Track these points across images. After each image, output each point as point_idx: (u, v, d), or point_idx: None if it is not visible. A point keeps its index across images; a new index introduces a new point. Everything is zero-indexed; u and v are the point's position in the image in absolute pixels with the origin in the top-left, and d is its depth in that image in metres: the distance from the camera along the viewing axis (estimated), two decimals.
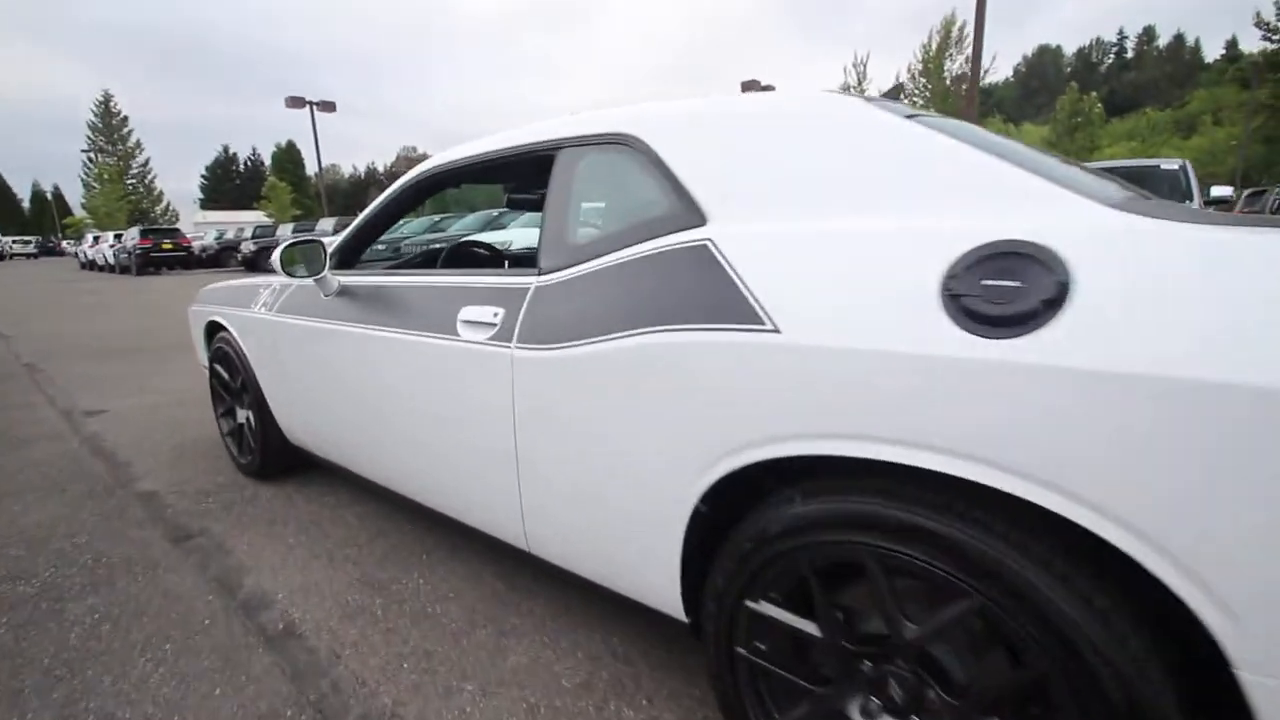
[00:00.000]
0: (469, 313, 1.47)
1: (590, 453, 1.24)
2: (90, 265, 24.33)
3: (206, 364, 2.90)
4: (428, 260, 2.38)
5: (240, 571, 1.95)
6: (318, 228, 18.97)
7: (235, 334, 2.52)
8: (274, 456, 2.57)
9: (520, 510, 1.44)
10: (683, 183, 1.18)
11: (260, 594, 1.82)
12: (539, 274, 1.38)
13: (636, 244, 1.20)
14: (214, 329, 2.75)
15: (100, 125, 47.83)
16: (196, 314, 2.93)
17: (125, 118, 48.71)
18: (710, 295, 1.03)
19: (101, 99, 47.61)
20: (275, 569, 1.96)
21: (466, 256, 2.44)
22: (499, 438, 1.42)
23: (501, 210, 12.74)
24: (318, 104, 24.55)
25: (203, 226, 33.83)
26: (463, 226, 12.02)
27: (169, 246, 19.47)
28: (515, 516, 1.46)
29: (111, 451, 3.12)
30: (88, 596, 1.83)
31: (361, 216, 2.03)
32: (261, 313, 2.31)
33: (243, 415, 2.66)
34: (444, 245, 8.84)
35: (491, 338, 1.39)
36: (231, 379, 2.67)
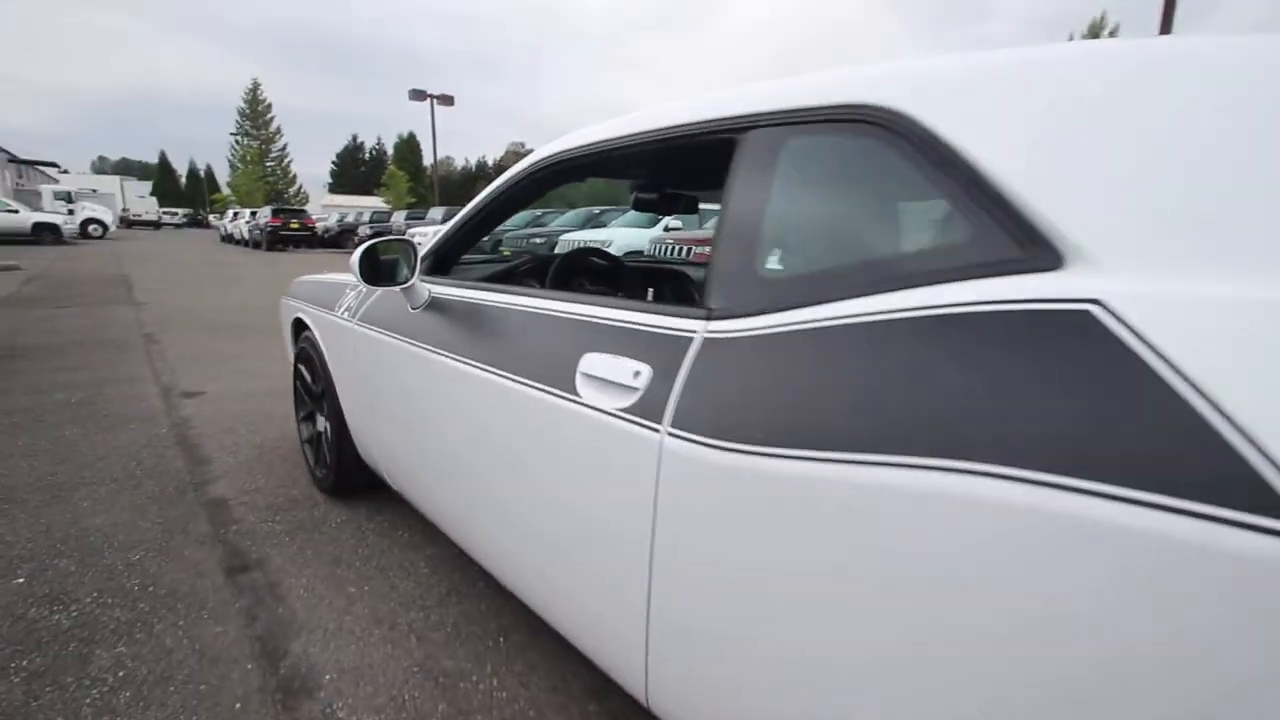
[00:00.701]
0: (595, 364, 1.04)
1: (785, 620, 0.76)
2: (229, 239, 26.52)
3: (293, 361, 2.67)
4: (536, 269, 1.99)
5: (290, 629, 1.62)
6: (428, 215, 19.64)
7: (318, 336, 2.24)
8: (348, 475, 2.27)
9: (644, 647, 0.99)
10: (1007, 192, 0.67)
11: (306, 670, 1.48)
12: (708, 316, 0.91)
13: (901, 289, 0.71)
14: (300, 326, 2.49)
15: (248, 110, 52.45)
16: (286, 308, 2.70)
17: (269, 104, 53.16)
18: (1135, 427, 0.50)
19: (251, 86, 52.18)
20: (329, 632, 1.62)
21: (585, 270, 2.02)
22: (624, 546, 0.97)
23: (604, 208, 12.54)
24: (438, 97, 25.54)
25: (329, 208, 36.28)
26: (563, 223, 11.89)
27: (296, 226, 20.82)
28: (634, 652, 1.01)
29: (196, 443, 2.98)
30: (119, 643, 1.56)
31: (464, 212, 1.65)
32: (344, 318, 2.00)
33: (322, 423, 2.38)
34: (549, 244, 8.68)
35: (629, 409, 0.95)
36: (314, 382, 2.40)
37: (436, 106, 25.46)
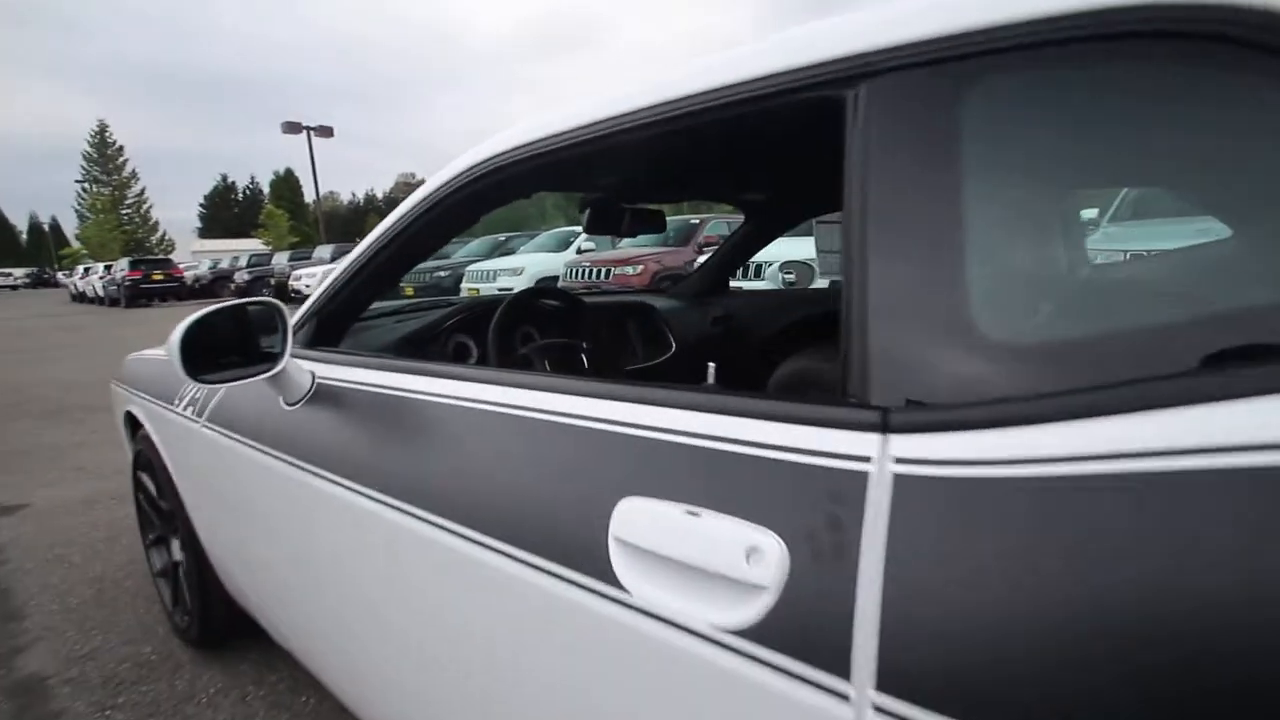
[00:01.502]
0: (647, 524, 0.56)
1: None
2: (81, 297, 23.54)
3: (131, 467, 1.98)
4: (469, 320, 1.48)
5: None
6: (315, 254, 18.17)
7: (156, 441, 1.60)
8: (218, 619, 1.65)
9: None
10: None
11: None
12: (883, 425, 0.47)
13: None
14: (135, 422, 1.83)
15: (95, 155, 47.42)
16: (115, 396, 2.02)
17: (120, 147, 48.32)
18: None
19: (97, 129, 47.26)
20: None
21: (535, 316, 1.54)
22: None
23: (509, 234, 11.92)
24: (315, 129, 23.92)
25: (200, 255, 33.14)
26: (468, 253, 11.19)
27: (160, 277, 18.74)
28: None
29: (8, 585, 2.20)
30: None
31: (356, 254, 1.12)
32: (187, 415, 1.39)
33: (177, 551, 1.73)
34: (454, 277, 7.96)
35: (751, 630, 0.48)
36: (160, 496, 1.75)
37: (315, 139, 23.81)
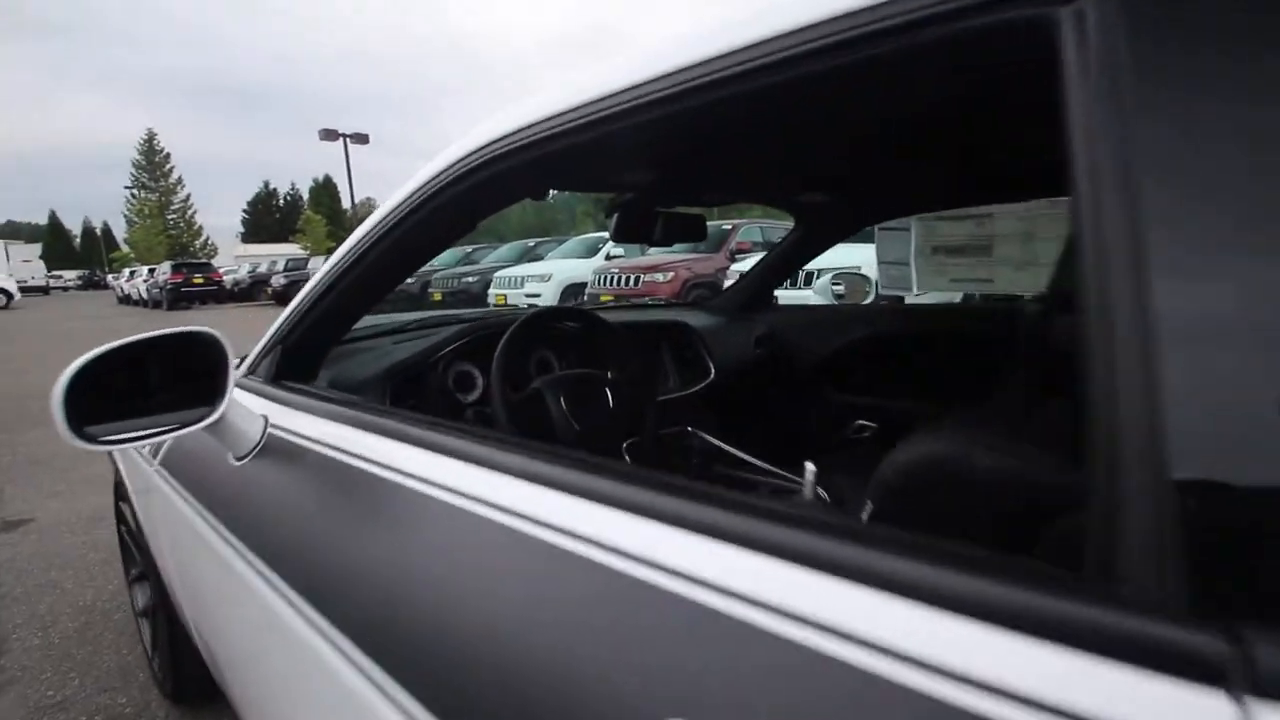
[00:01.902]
0: None
1: None
2: (127, 299, 24.24)
3: (114, 493, 1.82)
4: (474, 344, 1.26)
5: None
6: None
7: (122, 471, 1.43)
8: (189, 678, 1.46)
9: None
10: None
11: None
12: (1264, 664, 0.21)
13: None
14: None
15: (144, 162, 49.18)
16: None
17: (168, 154, 50.01)
18: None
19: (146, 137, 49.01)
20: None
21: (550, 339, 1.31)
22: None
23: (539, 239, 11.81)
24: (351, 136, 24.32)
25: (241, 259, 34.00)
26: (497, 259, 11.10)
27: (200, 281, 19.16)
28: None
29: None
30: None
31: (326, 270, 0.90)
32: (144, 454, 1.20)
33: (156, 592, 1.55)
34: (483, 282, 7.80)
35: None
36: (139, 532, 1.57)
37: (351, 146, 24.22)
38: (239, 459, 0.84)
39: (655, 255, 8.19)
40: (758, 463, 1.44)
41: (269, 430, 0.84)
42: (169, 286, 18.70)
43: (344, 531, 0.65)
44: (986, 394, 1.58)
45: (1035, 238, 1.55)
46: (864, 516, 0.55)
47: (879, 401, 1.86)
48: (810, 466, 1.01)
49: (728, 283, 7.00)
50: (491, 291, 9.11)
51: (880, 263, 1.80)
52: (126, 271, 28.26)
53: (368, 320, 1.60)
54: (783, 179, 1.28)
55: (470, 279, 10.02)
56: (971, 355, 1.72)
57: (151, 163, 49.29)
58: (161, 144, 49.58)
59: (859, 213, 1.65)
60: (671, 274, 7.41)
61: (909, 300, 2.15)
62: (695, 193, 1.30)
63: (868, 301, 2.16)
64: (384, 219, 0.81)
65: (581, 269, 8.66)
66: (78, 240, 75.24)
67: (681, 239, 1.40)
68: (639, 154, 0.90)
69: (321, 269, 0.92)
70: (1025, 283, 1.60)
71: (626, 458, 1.38)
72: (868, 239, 2.01)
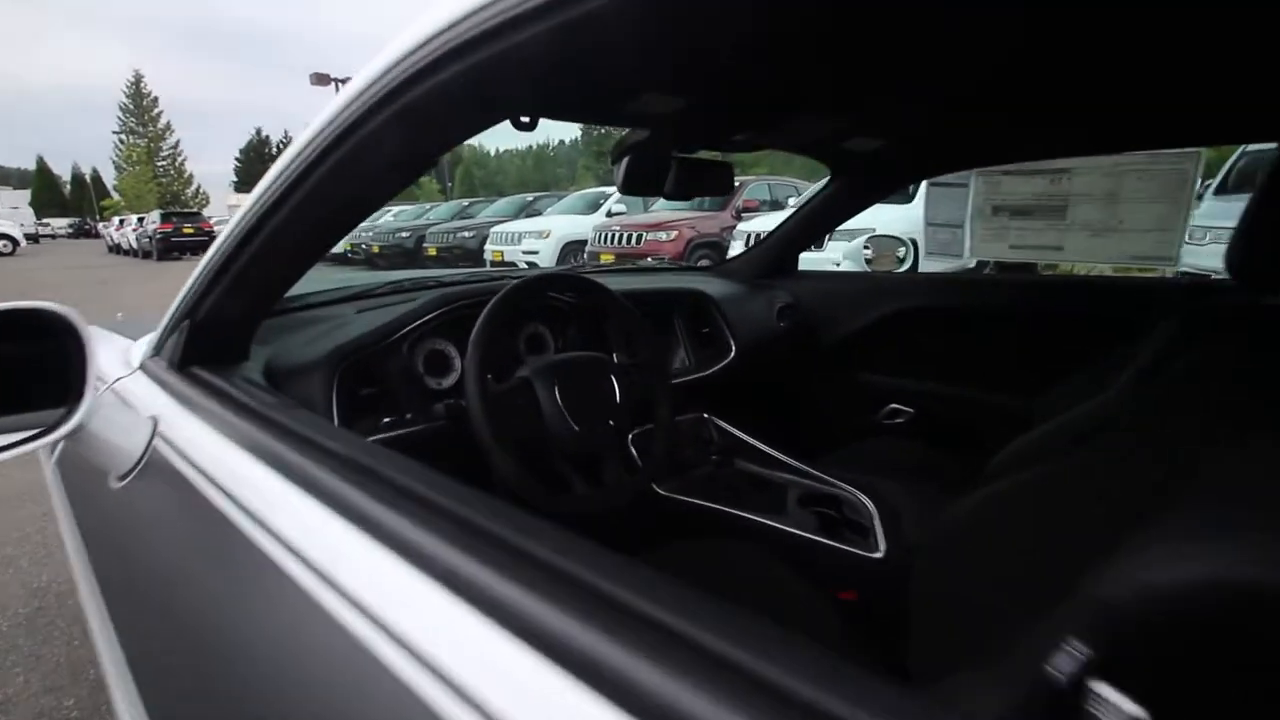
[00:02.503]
0: None
1: None
2: (117, 249, 23.74)
3: None
4: (447, 318, 1.04)
5: None
6: None
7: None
8: None
9: None
10: None
11: None
12: None
13: None
14: None
15: (131, 106, 47.62)
16: None
17: (155, 98, 48.34)
18: None
19: (133, 79, 47.36)
20: None
21: (542, 313, 1.09)
22: None
23: (537, 194, 11.40)
24: (342, 81, 23.40)
25: (235, 209, 33.12)
26: (494, 213, 10.72)
27: (190, 231, 18.64)
28: None
29: None
30: None
31: (238, 221, 0.67)
32: (47, 449, 0.98)
33: None
34: (479, 238, 7.50)
35: None
36: None
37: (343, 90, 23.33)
38: (120, 478, 0.63)
39: (658, 212, 7.86)
40: (790, 460, 1.23)
41: (157, 439, 0.62)
42: (158, 236, 18.24)
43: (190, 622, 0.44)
44: (1051, 382, 1.34)
45: (1120, 199, 1.31)
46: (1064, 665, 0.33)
47: (918, 384, 1.65)
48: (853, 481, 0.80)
49: (734, 243, 6.72)
50: (487, 248, 8.81)
51: (928, 224, 1.55)
52: (116, 220, 27.62)
53: (329, 280, 1.36)
54: (829, 117, 1.04)
55: (466, 234, 9.70)
56: (1034, 335, 1.50)
57: (139, 106, 47.74)
58: (148, 87, 47.96)
59: (914, 163, 1.40)
60: (675, 233, 7.10)
61: (952, 268, 1.91)
62: (721, 131, 1.05)
63: (903, 269, 1.92)
64: (311, 145, 0.58)
65: (582, 225, 8.34)
66: (67, 187, 73.59)
67: (704, 190, 1.16)
68: (652, 67, 0.66)
69: (234, 217, 0.69)
70: (1103, 252, 1.37)
71: (633, 450, 1.17)
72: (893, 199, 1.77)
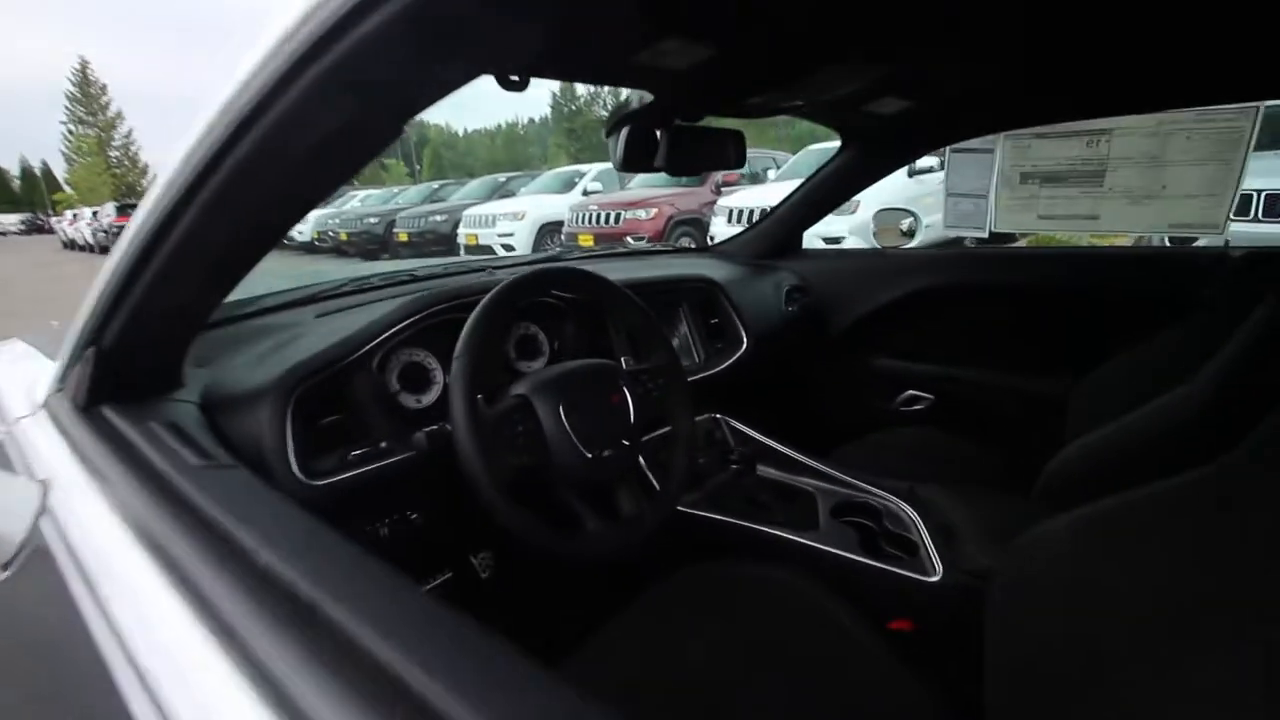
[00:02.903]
0: None
1: None
2: (72, 245, 22.80)
3: None
4: (437, 321, 0.88)
5: None
6: None
7: None
8: None
9: None
10: None
11: None
12: None
13: None
14: None
15: (79, 95, 45.55)
16: None
17: (104, 86, 46.24)
18: None
19: (79, 67, 45.21)
20: None
21: (536, 313, 0.96)
22: None
23: (510, 174, 11.09)
24: None
25: None
26: (466, 195, 10.40)
27: None
28: None
29: None
30: None
31: (148, 211, 0.50)
32: None
33: None
34: (451, 222, 7.19)
35: None
36: None
37: None
38: (3, 567, 0.48)
39: (635, 190, 7.66)
40: (816, 464, 1.10)
41: (47, 515, 0.47)
42: (114, 230, 17.54)
43: None
44: (1088, 364, 1.22)
45: (1164, 162, 1.20)
46: None
47: (938, 369, 1.53)
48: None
49: (715, 219, 6.55)
50: (461, 231, 8.54)
51: (949, 194, 1.42)
52: (69, 214, 26.49)
53: (292, 273, 1.19)
54: (859, 71, 0.90)
55: (438, 218, 9.39)
56: (1067, 313, 1.38)
57: (87, 95, 45.63)
58: (95, 74, 45.82)
59: (939, 126, 1.26)
60: (655, 210, 6.92)
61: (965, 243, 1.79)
62: (739, 92, 0.90)
63: (912, 244, 1.79)
64: (221, 121, 0.42)
65: (558, 206, 8.11)
66: (16, 181, 70.51)
67: (714, 164, 1.02)
68: (678, 3, 0.51)
69: (138, 212, 0.53)
70: (1142, 220, 1.25)
71: (648, 469, 1.03)
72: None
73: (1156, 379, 1.01)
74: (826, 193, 1.55)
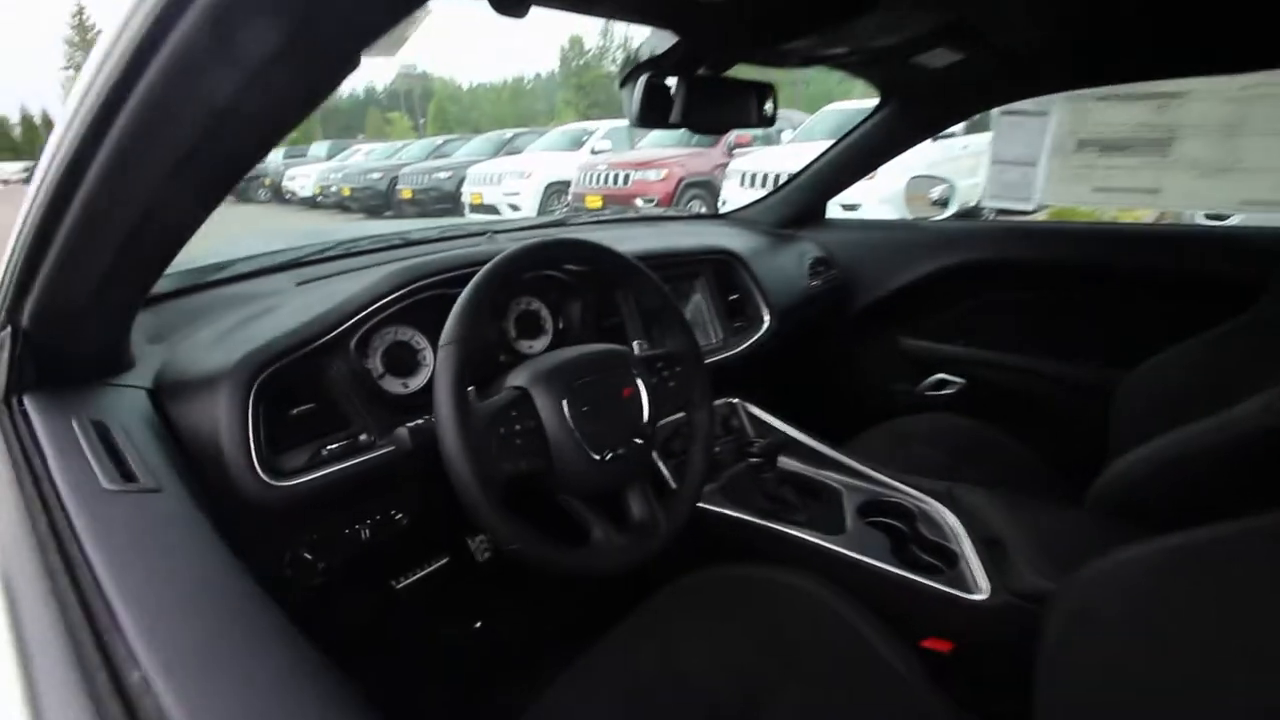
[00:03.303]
0: None
1: None
2: None
3: None
4: (427, 295, 0.79)
5: None
6: (310, 152, 16.90)
7: None
8: None
9: None
10: None
11: None
12: None
13: None
14: None
15: (76, 39, 44.60)
16: None
17: (100, 30, 45.31)
18: None
19: (75, 10, 44.13)
20: None
21: (537, 287, 0.90)
22: None
23: (517, 130, 10.79)
24: None
25: None
26: (470, 152, 10.14)
27: None
28: None
29: None
30: None
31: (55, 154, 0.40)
32: None
33: None
34: (456, 179, 7.01)
35: None
36: None
37: None
38: None
39: (645, 150, 7.42)
40: (842, 458, 1.01)
41: None
42: None
43: None
44: (1137, 353, 1.12)
45: (1244, 131, 1.07)
46: None
47: (971, 352, 1.43)
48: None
49: (726, 182, 6.35)
50: (466, 189, 8.34)
51: (994, 162, 1.30)
52: None
53: (286, 232, 1.09)
54: (914, 17, 0.77)
55: (442, 175, 9.16)
56: (1117, 295, 1.27)
57: (84, 39, 44.68)
58: (91, 18, 44.74)
59: (993, 83, 1.13)
60: (665, 171, 6.70)
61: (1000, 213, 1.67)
62: (776, 35, 0.78)
63: (944, 215, 1.67)
64: (115, 50, 0.31)
65: (566, 165, 7.88)
66: (17, 129, 69.62)
67: (742, 120, 0.90)
68: None
69: (42, 160, 0.43)
70: (1210, 196, 1.13)
71: (662, 466, 0.94)
72: None
73: (1221, 377, 0.91)
74: (858, 156, 1.42)
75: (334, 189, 10.99)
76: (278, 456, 0.66)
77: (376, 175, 10.42)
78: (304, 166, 14.11)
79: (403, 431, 0.64)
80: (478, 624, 1.29)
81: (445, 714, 1.10)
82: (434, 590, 1.07)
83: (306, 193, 11.80)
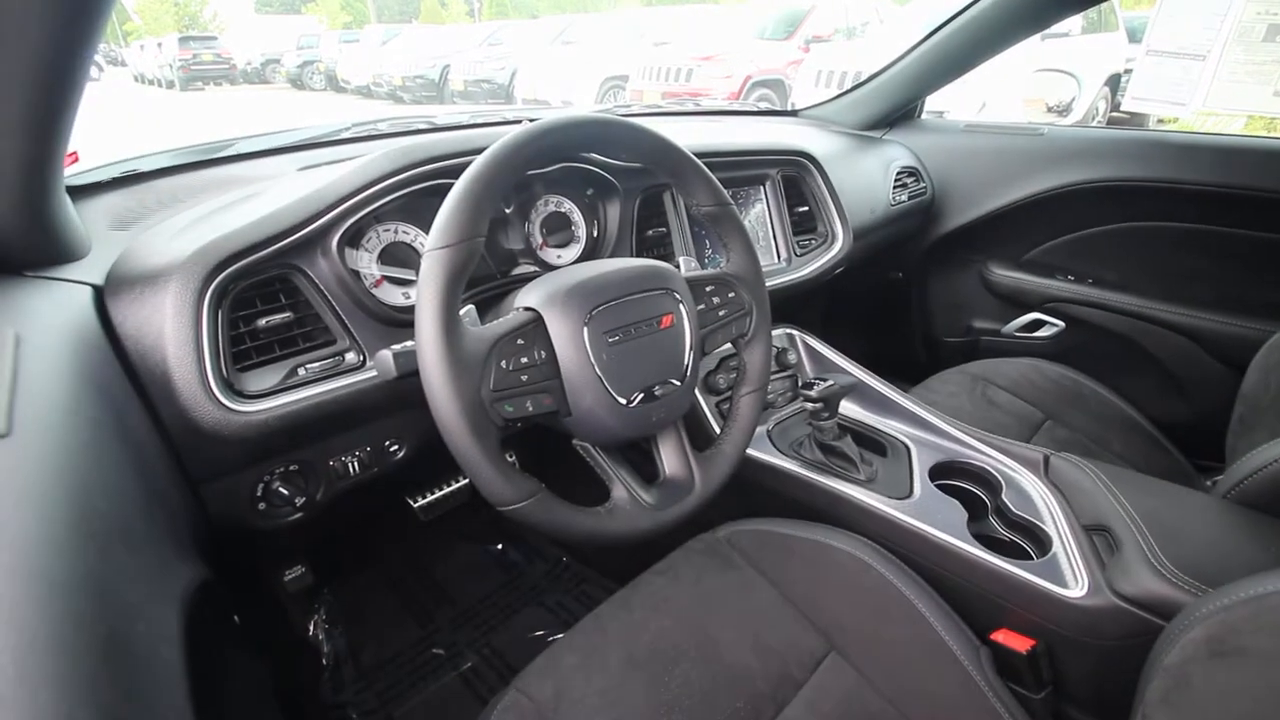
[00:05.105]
0: None
1: None
2: (142, 79, 22.79)
3: None
4: (432, 181, 0.66)
5: None
6: (362, 37, 16.38)
7: None
8: None
9: None
10: None
11: None
12: None
13: None
14: None
15: None
16: None
17: None
18: None
19: None
20: None
21: (609, 185, 0.80)
22: None
23: (573, 17, 10.10)
24: None
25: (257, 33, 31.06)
26: (525, 41, 9.58)
27: (209, 59, 17.53)
28: None
29: None
30: None
31: None
32: None
33: None
34: (510, 71, 6.69)
35: None
36: None
37: None
38: None
39: (710, 44, 6.81)
40: (915, 407, 0.87)
41: None
42: (178, 64, 17.24)
43: None
44: None
45: None
46: None
47: (1078, 289, 1.23)
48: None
49: (800, 81, 5.79)
50: (518, 82, 7.94)
51: (1148, 51, 1.04)
52: (138, 45, 26.18)
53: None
54: None
55: (495, 65, 8.74)
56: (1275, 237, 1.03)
57: None
58: None
59: None
60: (732, 67, 6.16)
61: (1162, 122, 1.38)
62: None
63: (1070, 119, 1.40)
64: None
65: (625, 58, 7.36)
66: None
67: None
68: None
69: None
70: None
71: (703, 403, 0.82)
72: None
73: None
74: (959, 49, 1.17)
75: (386, 78, 10.71)
76: (243, 375, 0.56)
77: (429, 64, 10.06)
78: (359, 52, 13.72)
79: (386, 354, 0.52)
80: (499, 545, 1.25)
81: (462, 638, 1.07)
82: (454, 510, 1.01)
83: (361, 81, 11.55)
